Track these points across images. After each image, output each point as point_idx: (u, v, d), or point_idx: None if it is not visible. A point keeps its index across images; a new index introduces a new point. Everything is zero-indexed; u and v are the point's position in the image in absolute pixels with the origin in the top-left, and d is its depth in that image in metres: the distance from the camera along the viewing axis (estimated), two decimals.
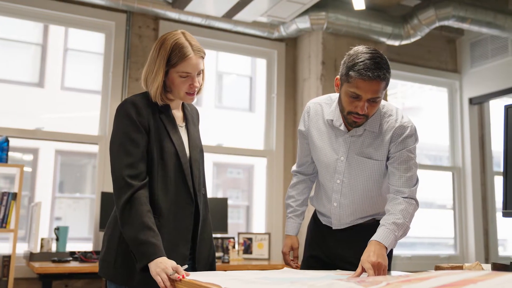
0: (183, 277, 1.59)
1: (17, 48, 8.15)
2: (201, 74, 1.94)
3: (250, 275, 1.62)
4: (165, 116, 1.92)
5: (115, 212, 1.87)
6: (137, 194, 1.75)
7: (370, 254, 1.77)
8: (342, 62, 1.97)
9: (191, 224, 1.87)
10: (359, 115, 1.91)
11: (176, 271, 1.61)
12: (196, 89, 1.92)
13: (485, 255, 5.39)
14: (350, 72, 1.88)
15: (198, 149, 2.00)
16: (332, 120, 2.07)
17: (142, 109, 1.86)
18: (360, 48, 1.93)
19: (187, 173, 1.88)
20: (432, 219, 6.03)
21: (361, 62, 1.86)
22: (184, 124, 2.01)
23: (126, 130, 1.82)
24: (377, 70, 1.85)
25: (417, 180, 2.02)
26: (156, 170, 1.83)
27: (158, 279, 1.62)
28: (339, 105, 2.00)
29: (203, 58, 1.94)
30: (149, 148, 1.84)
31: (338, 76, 1.99)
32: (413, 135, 2.01)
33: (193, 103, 2.09)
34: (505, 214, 1.61)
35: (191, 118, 2.06)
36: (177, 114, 2.00)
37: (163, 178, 1.83)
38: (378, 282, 1.13)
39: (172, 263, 1.65)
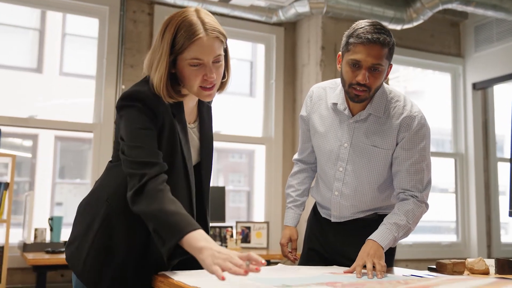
0: (263, 263, 1.28)
1: (15, 33, 8.06)
2: (220, 62, 1.55)
3: None
4: (178, 119, 1.57)
5: (96, 200, 1.60)
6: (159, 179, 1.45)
7: (365, 253, 1.73)
8: (343, 36, 1.90)
9: None
10: (360, 85, 1.81)
11: (249, 259, 1.26)
12: (214, 83, 1.55)
13: (487, 241, 5.32)
14: (350, 40, 1.83)
15: (209, 152, 1.71)
16: (336, 104, 1.98)
17: (154, 106, 1.51)
18: (362, 20, 1.87)
19: (192, 188, 1.61)
20: (434, 203, 5.96)
21: (360, 28, 1.81)
22: (196, 124, 1.70)
23: (135, 122, 1.49)
24: (376, 33, 1.78)
25: (429, 181, 1.94)
26: None
27: (216, 269, 1.25)
28: (341, 80, 1.92)
29: (222, 41, 1.55)
30: None
31: (340, 52, 1.91)
32: (423, 128, 1.91)
33: None
34: (511, 214, 1.52)
35: (207, 111, 1.74)
36: (191, 111, 1.67)
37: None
38: None
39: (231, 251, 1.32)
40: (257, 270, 1.25)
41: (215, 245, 1.33)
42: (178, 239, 1.35)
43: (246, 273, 1.24)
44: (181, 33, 1.49)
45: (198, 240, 1.34)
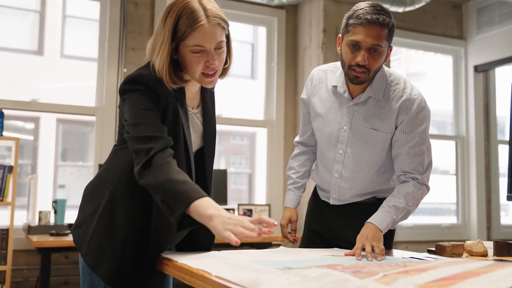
0: (274, 225, 1.27)
1: (15, 15, 8.02)
2: (222, 49, 1.56)
3: (243, 257, 1.57)
4: (180, 105, 1.57)
5: (102, 183, 1.62)
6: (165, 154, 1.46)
7: (363, 237, 1.77)
8: (343, 18, 1.91)
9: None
10: (359, 66, 1.82)
11: (260, 222, 1.27)
12: (216, 69, 1.56)
13: (487, 223, 5.36)
14: (350, 21, 1.84)
15: (213, 137, 1.73)
16: (336, 87, 1.99)
17: (158, 88, 1.52)
18: (362, 2, 1.88)
19: (193, 173, 1.62)
20: (435, 184, 5.98)
21: (360, 9, 1.82)
22: (199, 109, 1.70)
23: (139, 104, 1.51)
24: (376, 14, 1.79)
25: (430, 163, 1.96)
26: None
27: (228, 235, 1.26)
28: (341, 62, 1.92)
29: (224, 27, 1.55)
30: None
31: (340, 35, 1.92)
32: (423, 110, 1.91)
33: None
34: (509, 198, 1.54)
35: (210, 96, 1.75)
36: (193, 96, 1.68)
37: None
38: (374, 273, 1.08)
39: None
40: (270, 232, 1.27)
41: (224, 212, 1.35)
42: (186, 207, 1.36)
43: (259, 235, 1.25)
44: (183, 20, 1.50)
45: (206, 208, 1.35)
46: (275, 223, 1.29)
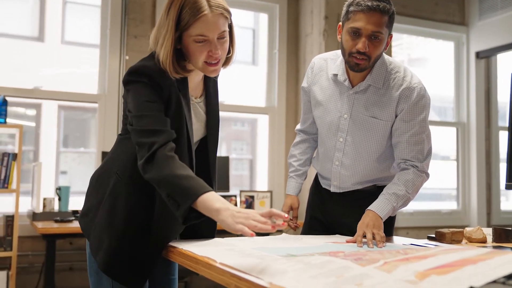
0: (286, 217, 1.29)
1: (16, 0, 7.98)
2: (225, 38, 1.58)
3: (247, 244, 1.60)
4: (182, 95, 1.59)
5: (106, 172, 1.65)
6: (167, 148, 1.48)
7: (364, 224, 1.80)
8: (344, 6, 1.91)
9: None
10: (360, 53, 1.83)
11: (271, 215, 1.30)
12: (219, 58, 1.58)
13: (487, 209, 5.40)
14: (350, 8, 1.85)
15: (216, 126, 1.76)
16: (336, 75, 2.01)
17: (161, 80, 1.54)
18: None
19: (193, 163, 1.64)
20: (435, 170, 6.00)
21: None
22: (203, 98, 1.73)
23: (142, 96, 1.53)
24: (376, 1, 1.80)
25: (429, 151, 1.98)
26: None
27: (241, 227, 1.26)
28: (341, 50, 1.93)
29: (227, 17, 1.57)
30: None
31: (340, 23, 1.93)
32: (423, 99, 1.93)
33: None
34: (508, 187, 1.57)
35: (213, 85, 1.77)
36: (196, 85, 1.69)
37: None
38: (375, 261, 1.11)
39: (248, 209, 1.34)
40: (284, 225, 1.29)
41: (231, 206, 1.37)
42: (192, 201, 1.38)
43: (273, 228, 1.26)
44: (186, 10, 1.51)
45: (213, 201, 1.37)
46: (286, 215, 1.31)
